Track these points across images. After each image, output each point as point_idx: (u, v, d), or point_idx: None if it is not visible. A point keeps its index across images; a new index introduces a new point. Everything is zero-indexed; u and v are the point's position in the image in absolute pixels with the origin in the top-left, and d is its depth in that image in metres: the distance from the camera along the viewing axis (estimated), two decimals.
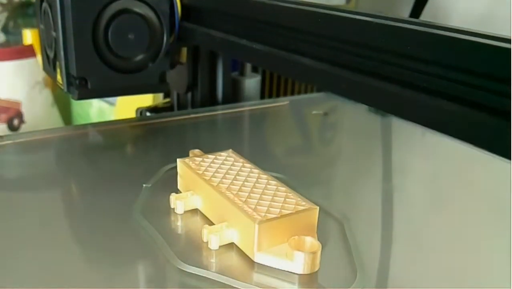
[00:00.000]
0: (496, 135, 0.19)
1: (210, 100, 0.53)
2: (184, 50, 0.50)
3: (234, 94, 0.56)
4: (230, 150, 0.33)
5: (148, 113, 0.54)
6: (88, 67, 0.40)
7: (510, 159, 0.19)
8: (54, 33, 0.40)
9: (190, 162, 0.31)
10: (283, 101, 0.54)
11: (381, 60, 0.25)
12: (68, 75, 0.40)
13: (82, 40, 0.39)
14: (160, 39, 0.43)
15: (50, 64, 0.44)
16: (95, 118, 0.82)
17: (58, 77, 0.42)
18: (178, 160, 0.31)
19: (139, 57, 0.42)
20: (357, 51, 0.26)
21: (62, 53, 0.39)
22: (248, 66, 0.58)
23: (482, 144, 0.20)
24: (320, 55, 0.28)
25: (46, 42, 0.44)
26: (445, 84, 0.22)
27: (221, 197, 0.27)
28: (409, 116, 0.24)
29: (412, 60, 0.23)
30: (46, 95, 0.84)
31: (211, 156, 0.32)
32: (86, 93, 0.41)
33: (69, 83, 0.41)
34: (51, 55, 0.42)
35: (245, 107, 0.52)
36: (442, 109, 0.22)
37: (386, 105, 0.25)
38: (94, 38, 0.40)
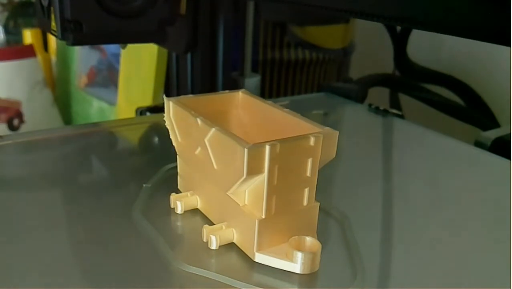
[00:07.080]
0: (496, 24, 0.19)
1: None
2: (184, 1, 0.48)
3: None
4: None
5: (148, 113, 0.54)
6: (83, 10, 0.39)
7: (510, 46, 0.19)
8: None
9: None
10: (283, 101, 0.54)
11: None
12: (62, 19, 0.39)
13: None
14: None
15: (44, 14, 0.43)
16: (95, 118, 0.82)
17: (53, 23, 0.41)
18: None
19: (137, 1, 0.41)
20: None
21: None
22: (248, 66, 0.57)
23: (482, 37, 0.20)
24: None
25: None
26: None
27: (220, 193, 0.27)
28: (413, 23, 0.23)
29: None
30: (46, 95, 0.84)
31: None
32: (81, 38, 0.40)
33: (63, 29, 0.40)
34: (45, 3, 0.42)
35: None
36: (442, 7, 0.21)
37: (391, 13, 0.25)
38: None
